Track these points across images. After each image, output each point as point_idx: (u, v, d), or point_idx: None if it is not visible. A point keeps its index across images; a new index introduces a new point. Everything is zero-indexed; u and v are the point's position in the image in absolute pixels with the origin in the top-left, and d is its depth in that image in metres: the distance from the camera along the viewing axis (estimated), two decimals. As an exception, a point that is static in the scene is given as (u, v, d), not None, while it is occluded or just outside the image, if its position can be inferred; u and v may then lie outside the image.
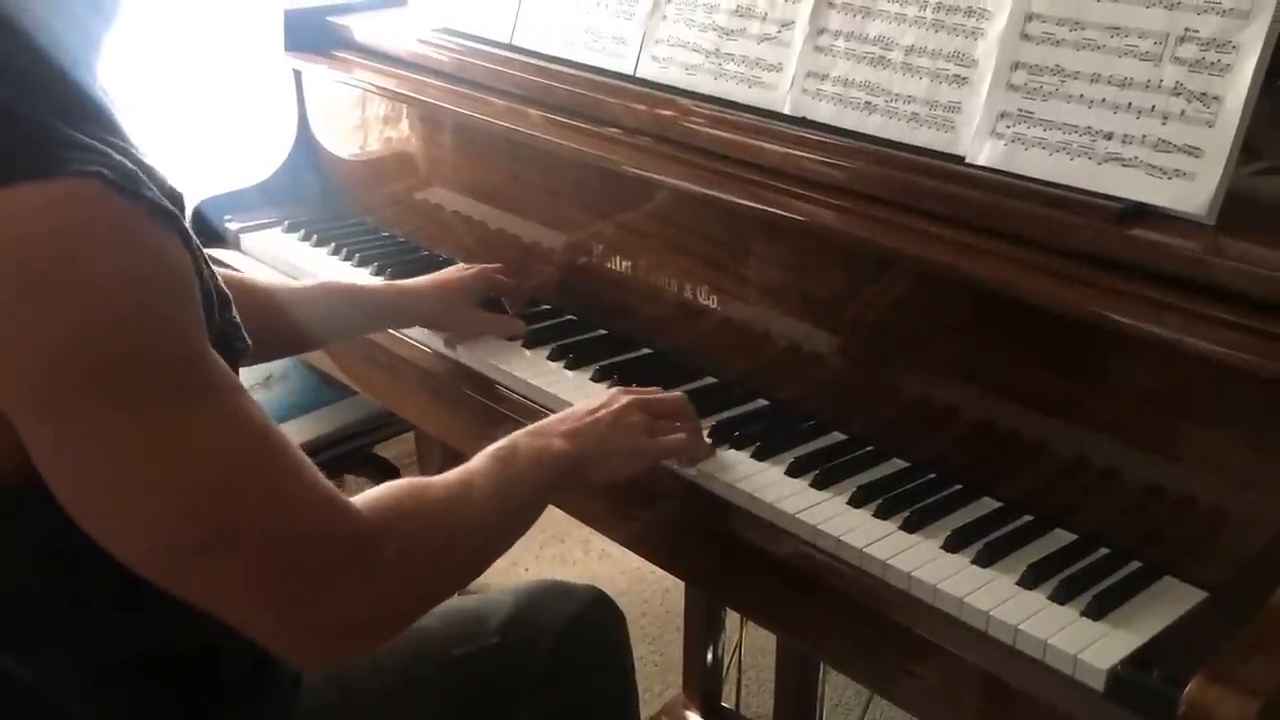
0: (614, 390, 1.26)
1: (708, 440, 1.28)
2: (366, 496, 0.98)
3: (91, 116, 0.87)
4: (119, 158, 0.84)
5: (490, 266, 1.58)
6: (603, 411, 1.20)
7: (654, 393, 1.26)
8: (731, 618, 2.07)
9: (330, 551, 0.90)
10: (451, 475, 1.06)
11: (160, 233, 0.84)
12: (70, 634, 0.96)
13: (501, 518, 1.08)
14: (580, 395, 1.37)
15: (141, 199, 0.83)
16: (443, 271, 1.58)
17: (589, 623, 1.35)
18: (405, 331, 1.59)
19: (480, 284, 1.55)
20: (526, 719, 1.28)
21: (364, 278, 1.72)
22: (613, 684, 1.38)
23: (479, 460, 1.09)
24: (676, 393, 1.28)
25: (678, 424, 1.24)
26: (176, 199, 0.90)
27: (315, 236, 1.85)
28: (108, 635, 0.97)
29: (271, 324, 1.33)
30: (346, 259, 1.79)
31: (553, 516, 2.87)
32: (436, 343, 1.55)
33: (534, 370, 1.46)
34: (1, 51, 0.85)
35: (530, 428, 1.17)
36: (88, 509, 0.85)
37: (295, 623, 0.91)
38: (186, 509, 0.85)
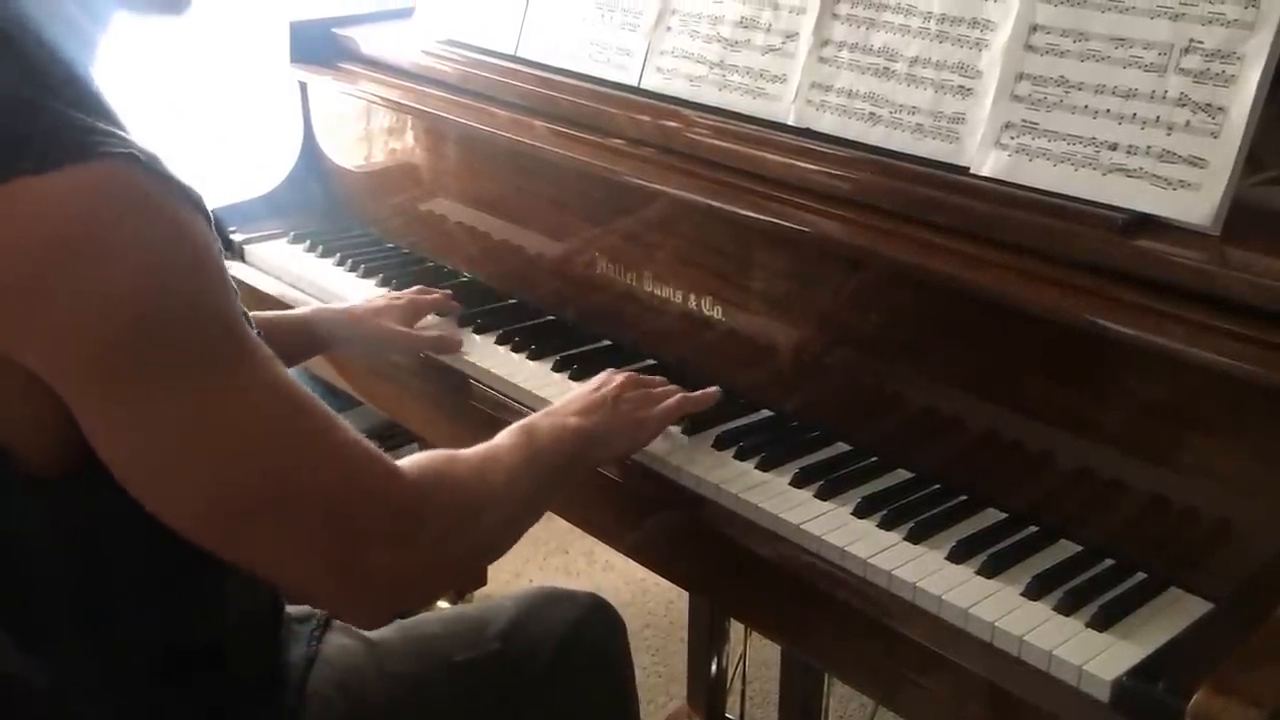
0: (608, 372, 1.32)
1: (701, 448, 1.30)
2: (409, 461, 1.01)
3: (102, 112, 0.90)
4: (139, 142, 0.87)
5: (414, 290, 1.60)
6: (604, 389, 1.27)
7: (649, 385, 1.32)
8: (736, 629, 2.06)
9: (378, 509, 0.94)
10: (479, 448, 1.10)
11: (190, 210, 0.88)
12: (92, 629, 0.97)
13: (527, 489, 1.12)
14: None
15: (169, 178, 0.87)
16: (375, 300, 1.59)
17: (589, 628, 1.35)
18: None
19: (410, 312, 1.56)
20: None
21: (369, 288, 1.72)
22: (614, 689, 1.39)
23: (503, 436, 1.14)
24: (674, 402, 1.32)
25: (668, 393, 1.31)
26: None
27: (320, 247, 1.85)
28: (129, 631, 0.98)
29: None
30: (351, 270, 1.79)
31: (556, 528, 2.87)
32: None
33: (537, 381, 1.46)
34: (21, 51, 0.88)
35: (544, 410, 1.24)
36: (142, 478, 0.88)
37: (347, 580, 0.94)
38: (237, 470, 0.88)
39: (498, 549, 1.13)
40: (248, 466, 0.89)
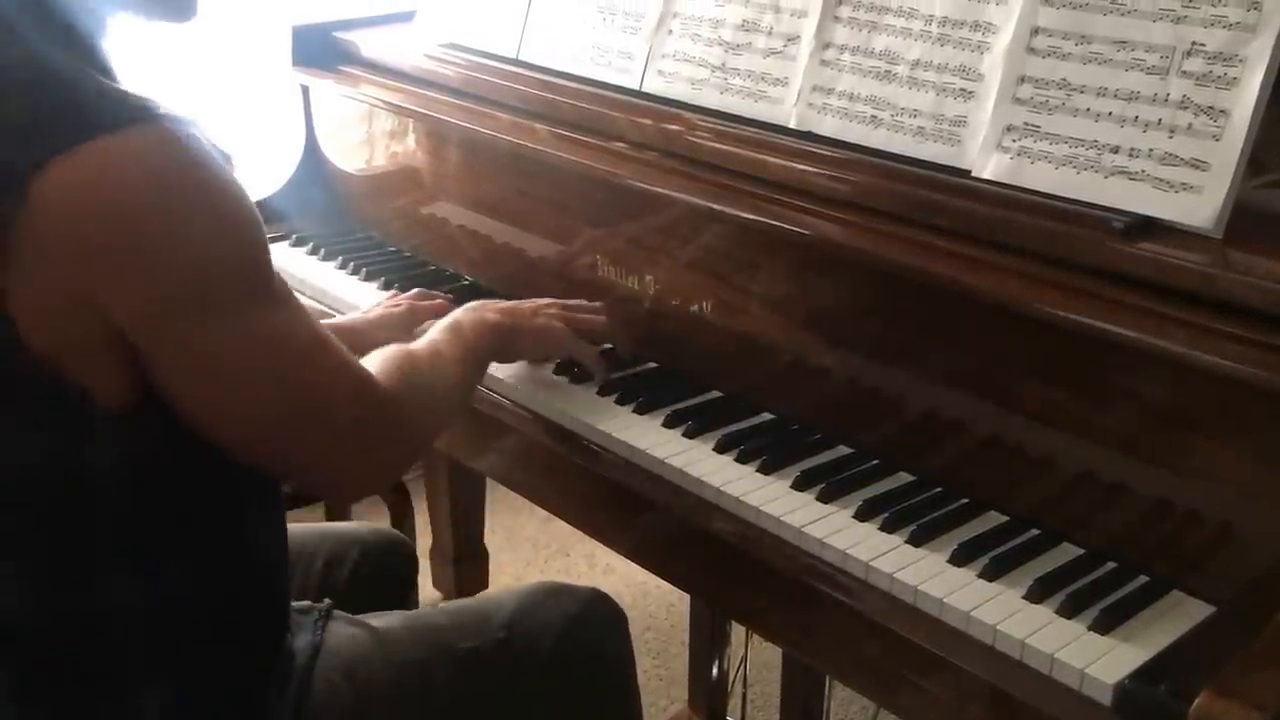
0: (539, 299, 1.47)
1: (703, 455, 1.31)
2: (374, 365, 1.17)
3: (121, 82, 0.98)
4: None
5: (413, 294, 1.60)
6: (531, 301, 1.46)
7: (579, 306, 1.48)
8: (737, 631, 2.06)
9: (373, 409, 1.12)
10: (422, 343, 1.30)
11: (229, 167, 0.98)
12: (134, 560, 1.04)
13: (462, 374, 1.31)
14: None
15: (199, 139, 0.95)
16: (371, 310, 1.58)
17: (591, 618, 1.37)
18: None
19: (409, 318, 1.56)
20: (533, 711, 1.31)
21: (371, 292, 1.72)
22: (615, 679, 1.40)
23: (435, 331, 1.33)
24: (601, 316, 1.47)
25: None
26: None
27: (322, 250, 1.86)
28: (168, 564, 1.06)
29: None
30: (354, 273, 1.79)
31: (557, 530, 2.87)
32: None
33: (541, 384, 1.45)
34: (62, 25, 0.97)
35: (467, 305, 1.40)
36: (201, 404, 1.00)
37: (354, 470, 1.14)
38: (279, 391, 1.03)
39: (445, 426, 1.31)
40: (290, 387, 1.04)
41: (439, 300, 1.60)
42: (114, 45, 1.03)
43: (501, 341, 1.38)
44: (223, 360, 0.99)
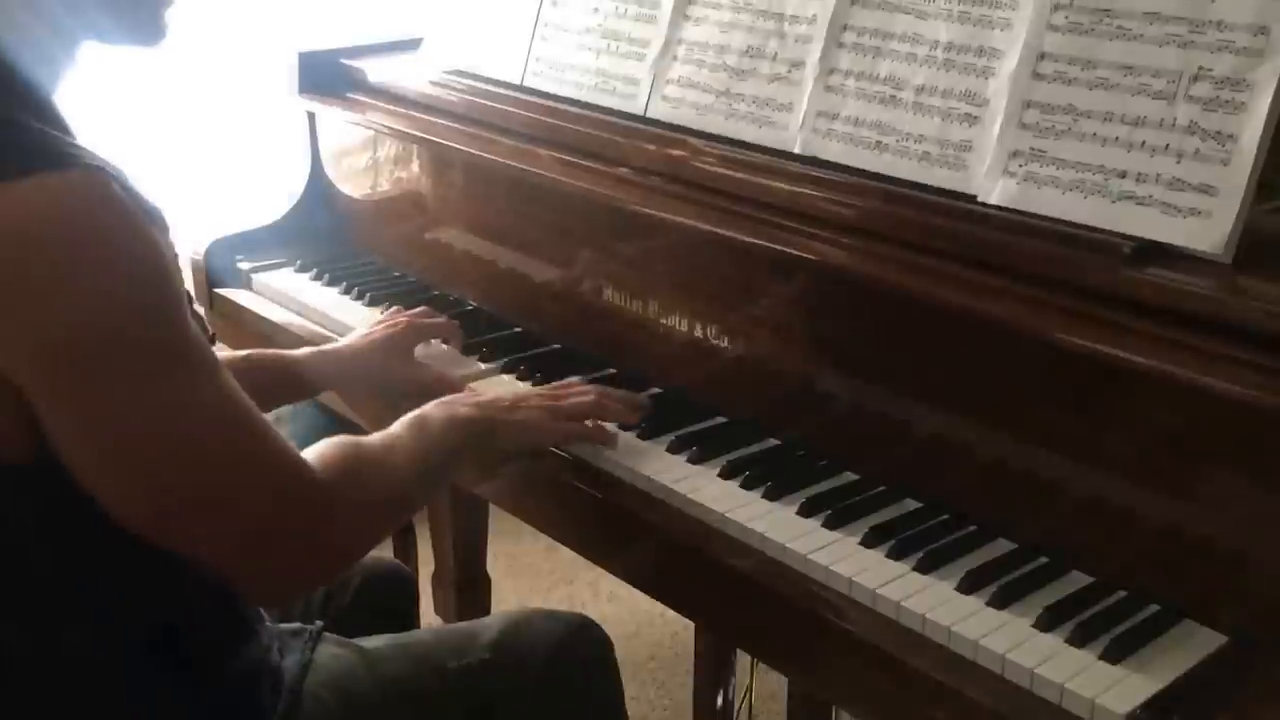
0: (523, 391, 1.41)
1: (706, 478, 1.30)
2: (316, 453, 1.09)
3: (66, 130, 0.96)
4: (104, 157, 0.92)
5: (416, 313, 1.60)
6: (506, 397, 1.36)
7: (567, 388, 1.39)
8: (742, 661, 2.04)
9: (298, 506, 1.03)
10: (377, 436, 1.20)
11: (152, 224, 0.93)
12: (73, 601, 1.00)
13: (422, 473, 1.20)
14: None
15: (133, 192, 0.92)
16: (373, 330, 1.56)
17: (577, 643, 1.37)
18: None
19: (411, 337, 1.56)
20: None
21: (375, 317, 1.71)
22: (601, 703, 1.40)
23: (398, 426, 1.23)
24: (589, 394, 1.36)
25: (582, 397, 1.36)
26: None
27: (327, 276, 1.85)
28: (110, 606, 1.02)
29: None
30: (358, 298, 1.79)
31: (561, 558, 2.85)
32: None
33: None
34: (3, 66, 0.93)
35: (440, 399, 1.31)
36: (91, 472, 0.94)
37: (264, 569, 1.03)
38: (176, 471, 0.96)
39: (392, 528, 1.28)
40: (193, 466, 0.96)
41: (441, 320, 1.60)
42: (71, 84, 1.01)
43: (474, 437, 1.27)
44: (112, 426, 0.93)
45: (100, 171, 0.90)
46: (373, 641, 1.31)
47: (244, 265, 1.90)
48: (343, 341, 1.57)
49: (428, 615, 1.92)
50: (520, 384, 1.52)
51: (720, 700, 2.07)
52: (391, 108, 1.84)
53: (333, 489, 1.06)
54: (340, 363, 1.52)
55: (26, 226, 0.87)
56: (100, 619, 1.01)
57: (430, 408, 1.27)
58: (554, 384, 1.41)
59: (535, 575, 2.77)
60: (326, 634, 1.29)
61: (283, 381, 1.47)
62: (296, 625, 1.29)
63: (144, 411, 0.93)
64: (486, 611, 2.17)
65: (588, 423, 1.35)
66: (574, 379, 1.43)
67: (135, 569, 1.00)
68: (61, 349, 0.89)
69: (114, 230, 0.90)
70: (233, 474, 0.98)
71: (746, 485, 1.27)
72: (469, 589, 2.14)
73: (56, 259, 0.87)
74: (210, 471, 0.97)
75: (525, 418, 1.32)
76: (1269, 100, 1.09)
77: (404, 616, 1.56)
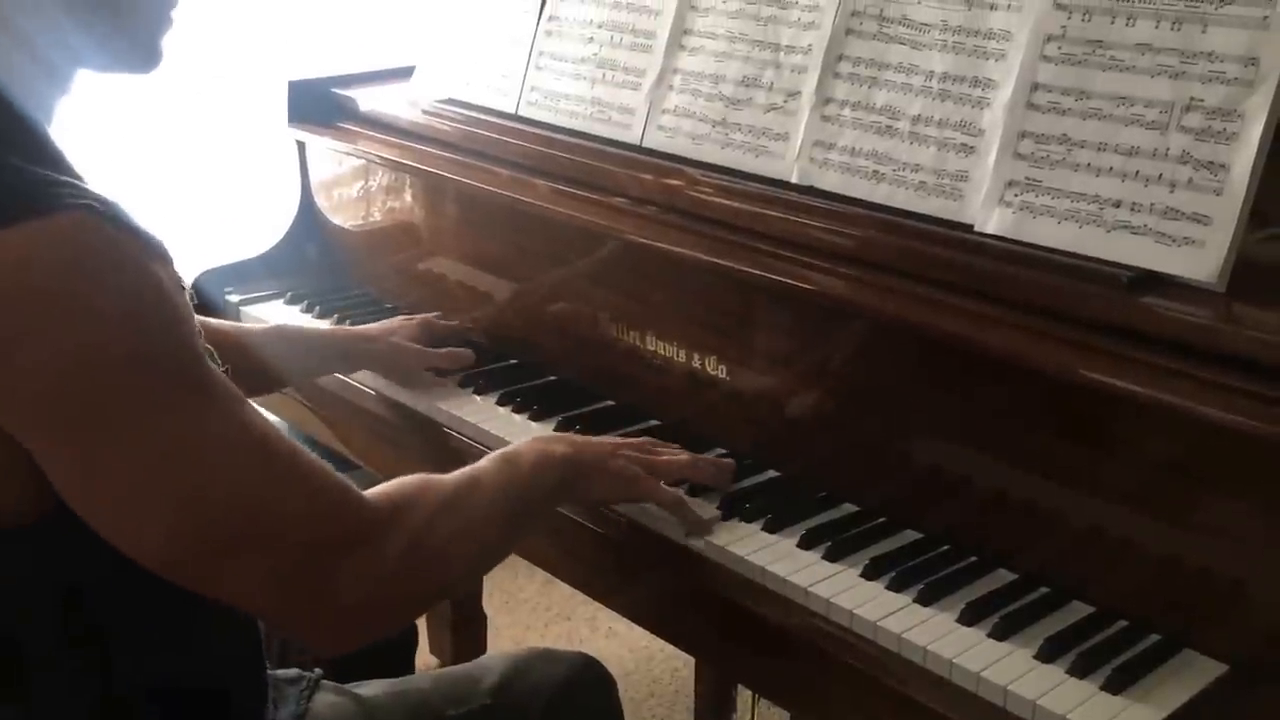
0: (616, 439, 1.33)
1: (705, 514, 1.28)
2: (380, 487, 1.04)
3: (58, 165, 0.92)
4: (97, 192, 0.89)
5: (430, 316, 1.67)
6: (608, 438, 1.31)
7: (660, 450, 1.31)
8: (743, 696, 2.03)
9: (341, 543, 0.97)
10: (460, 472, 1.12)
11: (151, 257, 0.90)
12: (74, 673, 0.97)
13: (507, 516, 1.13)
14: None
15: (129, 226, 0.89)
16: (389, 320, 1.66)
17: (579, 686, 1.35)
18: (406, 402, 1.58)
19: (424, 330, 1.64)
20: None
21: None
22: None
23: (485, 461, 1.16)
24: (683, 455, 1.31)
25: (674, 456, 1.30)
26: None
27: (318, 308, 1.84)
28: (111, 672, 0.98)
29: (237, 366, 1.34)
30: (350, 329, 1.78)
31: (559, 594, 2.83)
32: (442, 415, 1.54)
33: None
34: None
35: (534, 437, 1.24)
36: (111, 520, 0.90)
37: (314, 608, 0.97)
38: (206, 509, 0.91)
39: (472, 574, 1.19)
40: (215, 503, 0.91)
41: (453, 323, 1.68)
42: (66, 114, 0.99)
43: (569, 479, 1.20)
44: (129, 476, 0.89)
45: (90, 210, 0.86)
46: (370, 688, 1.28)
47: (233, 297, 1.89)
48: (360, 326, 1.66)
49: (423, 654, 1.91)
50: (517, 416, 1.51)
51: (720, 735, 2.06)
52: (384, 137, 1.84)
53: (384, 516, 1.00)
54: (350, 341, 1.60)
55: (13, 279, 0.84)
56: (84, 682, 0.97)
57: (523, 445, 1.20)
58: (640, 440, 1.33)
59: (532, 611, 2.75)
60: (324, 681, 1.27)
61: (320, 352, 1.57)
62: (295, 673, 1.26)
63: (161, 450, 0.89)
64: (482, 649, 2.15)
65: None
66: (661, 445, 1.34)
67: (131, 629, 0.97)
68: (67, 399, 0.86)
69: (104, 271, 0.86)
70: (261, 506, 0.93)
71: (747, 518, 1.27)
72: (464, 627, 2.13)
73: (48, 307, 0.84)
74: (236, 504, 0.92)
75: (623, 469, 1.24)
76: (1260, 130, 1.10)
77: (405, 659, 1.54)
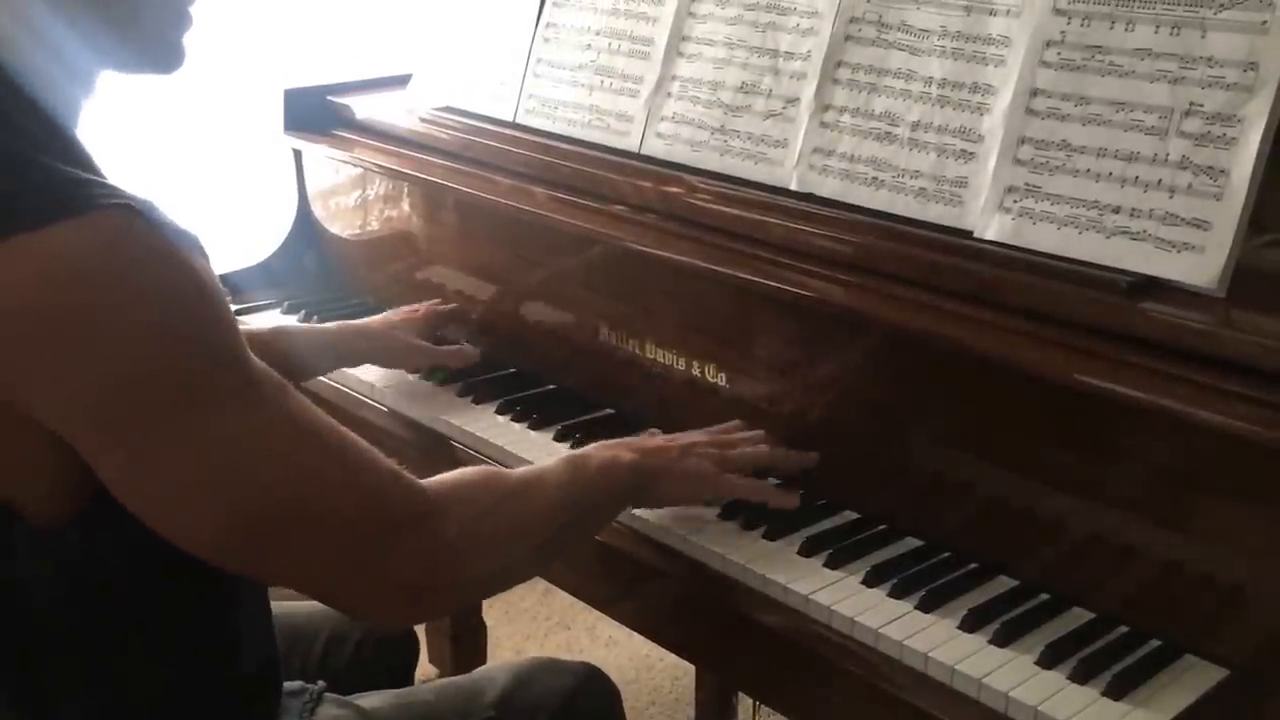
0: (689, 432, 1.31)
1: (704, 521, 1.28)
2: (441, 476, 1.06)
3: (89, 166, 0.92)
4: (130, 191, 0.88)
5: (433, 303, 1.70)
6: (675, 442, 1.28)
7: (733, 438, 1.31)
8: (744, 704, 2.03)
9: (392, 523, 0.98)
10: (525, 468, 1.17)
11: (189, 252, 0.89)
12: (94, 684, 0.98)
13: (569, 516, 1.14)
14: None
15: (165, 224, 0.88)
16: (391, 311, 1.68)
17: (584, 697, 1.34)
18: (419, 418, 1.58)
19: (429, 320, 1.65)
20: None
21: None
22: None
23: (553, 461, 1.18)
24: (761, 445, 1.31)
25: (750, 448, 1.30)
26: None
27: (315, 317, 1.84)
28: (137, 673, 0.99)
29: None
30: (348, 338, 1.78)
31: (558, 603, 2.82)
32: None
33: (539, 452, 1.43)
34: (4, 108, 0.89)
35: (603, 442, 1.25)
36: (160, 511, 0.91)
37: (364, 590, 0.99)
38: (258, 498, 0.92)
39: (530, 569, 1.19)
40: (268, 493, 0.92)
41: (455, 306, 1.70)
42: (90, 116, 0.99)
43: (637, 485, 1.22)
44: (180, 470, 0.89)
45: (126, 209, 0.85)
46: (372, 700, 1.27)
47: (231, 307, 1.88)
48: (361, 320, 1.67)
49: (422, 664, 1.90)
50: (516, 425, 1.51)
51: (721, 743, 2.06)
52: (380, 145, 1.84)
53: (440, 506, 1.02)
54: (360, 335, 1.61)
55: (53, 282, 0.83)
56: (100, 687, 0.98)
57: (593, 448, 1.22)
58: (719, 427, 1.34)
59: (532, 620, 2.75)
60: (327, 694, 1.25)
61: (323, 349, 1.57)
62: (298, 685, 1.25)
63: (212, 443, 0.89)
64: (483, 659, 2.15)
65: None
66: (735, 422, 1.36)
67: (146, 634, 0.98)
68: (114, 397, 0.86)
69: (144, 266, 0.86)
70: (313, 493, 0.94)
71: (746, 525, 1.27)
72: (464, 637, 2.12)
73: (91, 311, 0.84)
74: (288, 493, 0.93)
75: (693, 468, 1.25)
76: (1259, 135, 1.09)
77: (405, 670, 1.53)
